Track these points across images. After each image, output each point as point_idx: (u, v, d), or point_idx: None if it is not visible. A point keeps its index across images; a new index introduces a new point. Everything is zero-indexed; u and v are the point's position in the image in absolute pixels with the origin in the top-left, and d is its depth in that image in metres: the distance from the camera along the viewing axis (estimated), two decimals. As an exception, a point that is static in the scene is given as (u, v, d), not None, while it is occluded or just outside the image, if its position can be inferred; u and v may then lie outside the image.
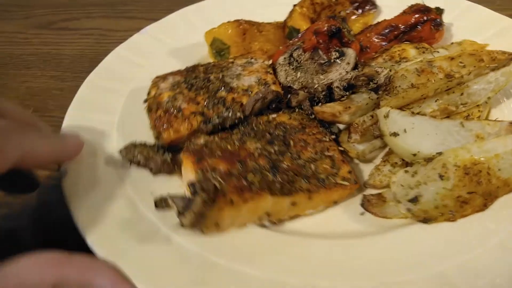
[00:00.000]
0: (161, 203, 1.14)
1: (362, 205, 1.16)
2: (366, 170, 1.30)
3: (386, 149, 1.31)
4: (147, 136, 1.38)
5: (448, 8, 1.68)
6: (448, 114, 1.29)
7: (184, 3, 2.16)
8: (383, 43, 1.59)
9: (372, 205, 1.15)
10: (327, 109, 1.25)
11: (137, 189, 1.23)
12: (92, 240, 1.07)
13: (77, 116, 1.44)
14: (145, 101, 1.45)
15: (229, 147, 1.18)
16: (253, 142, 1.20)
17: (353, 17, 1.78)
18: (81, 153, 1.22)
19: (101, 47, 2.04)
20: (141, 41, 1.77)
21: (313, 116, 1.32)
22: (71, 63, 2.00)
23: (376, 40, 1.60)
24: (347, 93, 1.30)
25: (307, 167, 1.16)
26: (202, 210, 1.02)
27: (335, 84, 1.30)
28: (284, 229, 1.15)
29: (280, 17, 1.81)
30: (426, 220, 1.09)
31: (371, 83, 1.27)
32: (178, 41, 1.80)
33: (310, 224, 1.17)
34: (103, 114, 1.46)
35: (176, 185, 1.26)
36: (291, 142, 1.21)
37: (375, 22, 1.77)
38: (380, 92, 1.25)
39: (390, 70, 1.27)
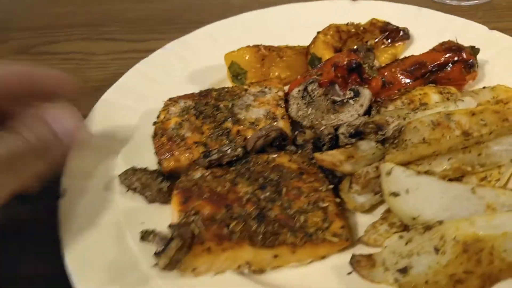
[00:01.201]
0: (146, 237, 1.15)
1: (351, 264, 1.10)
2: (365, 221, 1.22)
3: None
4: (152, 161, 1.39)
5: (486, 44, 1.53)
6: (462, 174, 1.18)
7: (165, 24, 2.18)
8: (408, 80, 1.49)
9: (361, 266, 1.08)
10: (327, 157, 1.19)
11: (129, 217, 1.24)
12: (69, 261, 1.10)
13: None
14: (154, 123, 1.46)
15: (219, 188, 1.16)
16: (245, 185, 1.17)
17: (382, 46, 1.67)
18: (83, 173, 1.26)
19: (82, 73, 1.98)
20: (162, 58, 1.78)
21: (314, 160, 1.26)
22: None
23: (401, 76, 1.50)
24: (353, 140, 1.23)
25: (296, 218, 1.11)
26: (176, 256, 1.01)
27: (341, 130, 1.23)
28: (264, 279, 1.12)
29: (307, 40, 1.74)
30: (414, 294, 1.01)
31: (379, 132, 1.18)
32: (200, 60, 1.79)
33: (292, 278, 1.12)
34: (113, 134, 1.49)
35: (168, 216, 1.26)
36: (284, 190, 1.16)
37: (406, 54, 1.66)
38: (387, 145, 1.17)
39: (400, 122, 1.17)
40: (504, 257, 0.99)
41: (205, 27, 1.90)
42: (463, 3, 2.14)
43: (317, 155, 1.21)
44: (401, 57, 1.64)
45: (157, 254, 1.03)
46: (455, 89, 1.38)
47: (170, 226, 1.05)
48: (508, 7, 2.09)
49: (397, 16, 1.77)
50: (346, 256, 1.12)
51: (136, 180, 1.29)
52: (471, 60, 1.42)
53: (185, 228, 1.03)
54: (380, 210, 1.24)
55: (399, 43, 1.66)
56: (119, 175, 1.31)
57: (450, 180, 1.16)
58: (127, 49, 2.10)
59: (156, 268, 1.05)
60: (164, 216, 1.25)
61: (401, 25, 1.69)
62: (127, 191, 1.30)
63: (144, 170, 1.33)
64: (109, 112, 1.57)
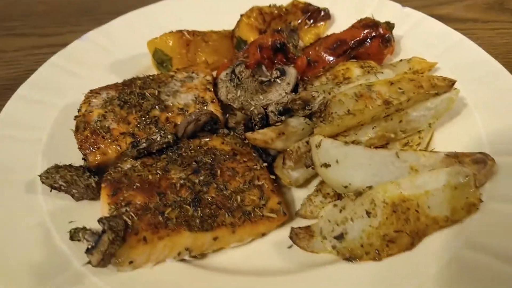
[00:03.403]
0: (76, 235, 1.08)
1: (291, 238, 1.11)
2: (301, 195, 1.25)
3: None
4: (78, 157, 1.31)
5: (400, 20, 1.62)
6: (386, 141, 1.24)
7: (80, 15, 2.07)
8: (331, 58, 1.53)
9: (300, 239, 1.10)
10: (258, 136, 1.19)
11: (56, 217, 1.16)
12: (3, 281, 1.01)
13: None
14: (75, 117, 1.37)
15: (150, 177, 1.12)
16: (178, 171, 1.14)
17: (305, 27, 1.70)
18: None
19: None
20: (81, 49, 1.67)
21: (246, 140, 1.25)
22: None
23: (325, 54, 1.54)
24: (283, 118, 1.24)
25: (233, 198, 1.10)
26: (109, 250, 0.96)
27: (270, 109, 1.24)
28: (206, 263, 1.10)
29: (230, 23, 1.73)
30: (351, 259, 1.05)
31: (306, 107, 1.20)
32: (123, 49, 1.71)
33: (235, 258, 1.12)
34: (30, 131, 1.38)
35: (100, 212, 1.20)
36: (219, 171, 1.15)
37: (328, 33, 1.70)
38: (314, 119, 1.19)
39: (325, 96, 1.20)
40: (428, 213, 1.05)
41: (124, 15, 1.82)
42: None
43: (249, 134, 1.21)
44: (324, 36, 1.69)
45: (89, 251, 0.97)
46: (375, 63, 1.44)
47: (100, 220, 0.99)
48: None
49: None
50: (285, 231, 1.14)
51: (60, 178, 1.20)
52: (387, 35, 1.50)
53: (116, 220, 0.98)
54: (314, 183, 1.27)
55: (321, 23, 1.71)
56: (39, 175, 1.21)
57: (376, 148, 1.21)
58: (39, 44, 1.95)
59: (89, 265, 0.99)
60: (94, 213, 1.18)
61: (321, 5, 1.74)
62: (51, 190, 1.21)
63: (68, 166, 1.24)
64: (24, 109, 1.45)
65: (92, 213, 1.19)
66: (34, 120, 1.43)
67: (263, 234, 1.15)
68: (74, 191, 1.20)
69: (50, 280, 1.01)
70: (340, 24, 1.71)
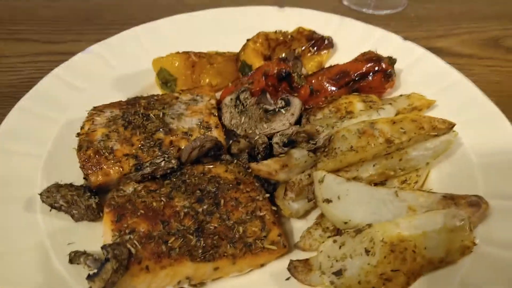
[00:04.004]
0: (76, 259, 1.08)
1: (289, 270, 1.13)
2: (300, 226, 1.27)
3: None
4: (78, 175, 1.30)
5: (401, 54, 1.66)
6: (385, 178, 1.27)
7: (84, 24, 2.05)
8: (334, 88, 1.56)
9: (298, 272, 1.12)
10: (263, 167, 1.21)
11: (55, 238, 1.16)
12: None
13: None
14: (78, 135, 1.36)
15: (154, 204, 1.12)
16: (182, 199, 1.15)
17: (308, 54, 1.73)
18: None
19: None
20: (84, 62, 1.67)
21: (249, 170, 1.27)
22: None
23: (327, 84, 1.57)
24: (286, 149, 1.26)
25: (235, 229, 1.12)
26: (112, 278, 0.96)
27: (275, 140, 1.26)
28: (205, 292, 1.11)
29: (235, 45, 1.75)
30: (347, 295, 1.07)
31: (310, 141, 1.23)
32: (127, 64, 1.71)
33: (234, 287, 1.13)
34: (30, 147, 1.37)
35: (99, 235, 1.19)
36: (222, 201, 1.16)
37: (330, 61, 1.74)
38: (318, 154, 1.22)
39: (330, 131, 1.23)
40: (425, 254, 1.08)
41: (131, 29, 1.82)
42: (377, 13, 2.32)
43: (254, 165, 1.23)
44: (326, 65, 1.72)
45: (91, 278, 0.98)
46: (376, 98, 1.48)
47: (104, 247, 0.99)
48: (416, 18, 2.30)
49: (322, 24, 1.85)
50: (284, 262, 1.16)
51: (61, 198, 1.20)
52: (389, 70, 1.53)
53: (120, 249, 0.99)
54: (313, 215, 1.29)
55: (324, 51, 1.74)
56: (40, 193, 1.21)
57: (375, 184, 1.24)
58: (42, 51, 1.94)
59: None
60: (93, 235, 1.19)
61: (325, 33, 1.77)
62: (51, 210, 1.21)
63: (69, 185, 1.24)
64: (25, 122, 1.43)
65: (90, 234, 1.20)
66: (34, 135, 1.42)
67: (262, 265, 1.17)
68: (74, 211, 1.20)
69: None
70: (342, 54, 1.75)
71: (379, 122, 1.27)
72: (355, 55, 1.66)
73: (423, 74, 1.66)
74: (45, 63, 1.83)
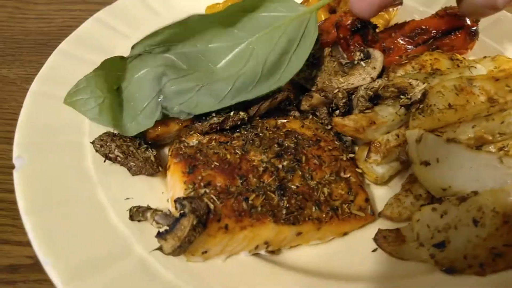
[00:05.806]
0: (137, 215, 0.94)
1: (376, 240, 0.99)
2: (378, 194, 1.12)
3: (407, 174, 1.13)
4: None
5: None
6: (482, 143, 1.12)
7: None
8: (409, 46, 1.39)
9: (388, 242, 0.98)
10: (349, 122, 1.05)
11: (110, 193, 1.00)
12: (50, 261, 0.85)
13: (42, 91, 1.19)
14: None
15: (228, 156, 0.97)
16: (258, 152, 0.99)
17: (376, 11, 1.55)
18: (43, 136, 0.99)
19: (19, 24, 1.66)
20: (128, 7, 1.50)
21: (329, 126, 1.12)
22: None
23: (402, 42, 1.40)
24: (372, 105, 1.10)
25: (319, 190, 0.97)
26: (189, 236, 0.81)
27: (361, 93, 1.10)
28: (281, 260, 0.96)
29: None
30: (450, 271, 0.92)
31: (402, 97, 1.07)
32: (172, 11, 1.55)
33: (312, 257, 0.98)
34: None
35: (158, 191, 1.05)
36: (303, 158, 1.01)
37: (397, 21, 1.57)
38: (413, 110, 1.06)
39: (426, 85, 1.07)
40: (544, 228, 0.94)
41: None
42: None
43: (339, 120, 1.07)
44: (393, 22, 1.55)
45: (161, 235, 0.83)
46: (461, 56, 1.32)
47: (178, 200, 0.84)
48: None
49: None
50: (365, 232, 1.02)
51: (116, 148, 1.05)
52: (475, 28, 1.37)
53: (198, 202, 0.83)
54: (393, 182, 1.14)
55: (393, 8, 1.56)
56: (92, 141, 1.05)
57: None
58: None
59: (158, 252, 0.84)
60: (150, 190, 1.04)
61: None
62: (105, 161, 1.05)
63: (123, 136, 1.09)
64: (67, 66, 1.28)
65: (148, 190, 1.05)
66: (77, 79, 1.25)
67: (345, 234, 1.02)
68: (131, 163, 1.05)
69: (110, 266, 0.85)
70: (409, 14, 1.58)
71: (478, 78, 1.11)
72: (423, 15, 1.48)
73: (503, 36, 1.49)
74: (78, 12, 1.67)
